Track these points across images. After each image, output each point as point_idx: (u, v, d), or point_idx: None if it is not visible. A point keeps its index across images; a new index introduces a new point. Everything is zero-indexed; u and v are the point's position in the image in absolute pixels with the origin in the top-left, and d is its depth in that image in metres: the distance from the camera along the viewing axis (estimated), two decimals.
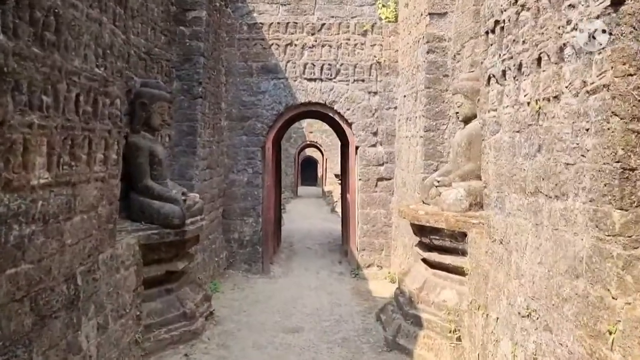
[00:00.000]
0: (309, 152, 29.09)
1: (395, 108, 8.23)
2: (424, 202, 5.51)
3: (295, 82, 8.20)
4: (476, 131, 4.92)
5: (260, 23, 8.18)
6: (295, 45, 8.19)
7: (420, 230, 5.09)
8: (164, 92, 5.26)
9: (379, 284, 7.68)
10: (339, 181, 22.33)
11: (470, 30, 5.82)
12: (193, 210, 5.27)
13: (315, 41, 8.20)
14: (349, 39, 8.20)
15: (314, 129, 25.56)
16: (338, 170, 22.25)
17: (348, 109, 8.21)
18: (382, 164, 8.24)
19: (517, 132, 3.00)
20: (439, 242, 4.86)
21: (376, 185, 8.24)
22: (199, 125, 6.68)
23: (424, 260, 5.22)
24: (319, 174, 30.36)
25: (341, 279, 7.98)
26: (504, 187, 3.25)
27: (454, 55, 6.39)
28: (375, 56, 8.20)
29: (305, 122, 25.62)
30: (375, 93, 8.23)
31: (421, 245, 5.25)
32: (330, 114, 8.31)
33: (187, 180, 6.58)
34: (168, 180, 5.34)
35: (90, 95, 3.00)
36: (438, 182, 5.22)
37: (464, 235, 4.48)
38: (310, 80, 8.20)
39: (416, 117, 6.99)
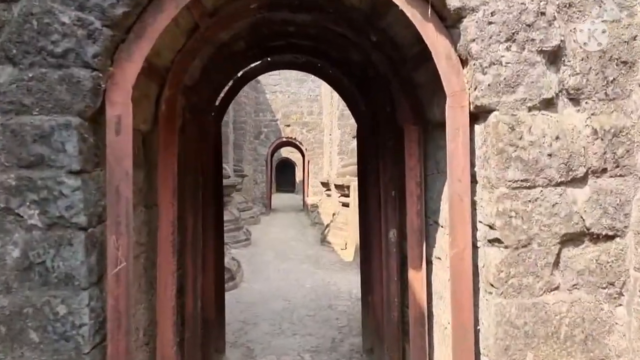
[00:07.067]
0: (285, 152, 23.61)
1: None
2: None
3: None
4: None
5: None
6: None
7: None
8: None
9: None
10: (327, 191, 15.96)
11: None
12: None
13: None
14: None
15: (292, 121, 19.52)
16: (325, 177, 16.04)
17: None
18: (585, 179, 2.06)
19: None
20: None
21: (556, 265, 2.05)
22: None
23: None
24: (298, 180, 25.06)
25: None
26: None
27: None
28: None
29: (280, 113, 19.52)
30: None
31: None
32: None
33: None
34: None
35: None
36: None
37: None
38: None
39: None
